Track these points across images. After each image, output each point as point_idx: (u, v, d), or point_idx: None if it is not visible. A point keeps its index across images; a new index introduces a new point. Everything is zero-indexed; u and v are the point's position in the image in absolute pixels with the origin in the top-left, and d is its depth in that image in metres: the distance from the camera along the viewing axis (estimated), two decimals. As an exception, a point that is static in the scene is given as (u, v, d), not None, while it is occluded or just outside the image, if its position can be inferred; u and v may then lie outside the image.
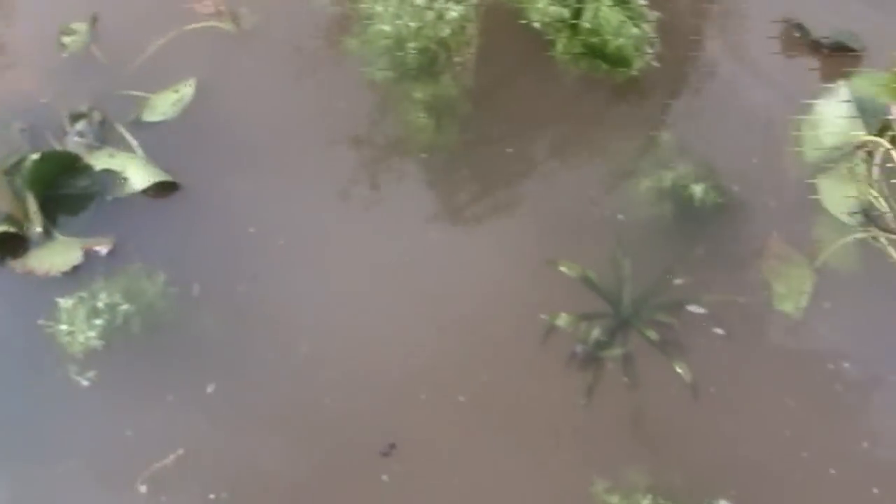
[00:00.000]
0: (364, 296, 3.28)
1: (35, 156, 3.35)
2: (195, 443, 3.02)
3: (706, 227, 3.38)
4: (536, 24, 3.59)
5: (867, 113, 3.56)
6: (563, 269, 3.28)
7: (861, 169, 3.47)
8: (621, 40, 3.53)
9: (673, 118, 3.67)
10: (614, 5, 3.55)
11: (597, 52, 3.58)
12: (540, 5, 3.57)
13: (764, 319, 3.25)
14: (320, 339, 3.18)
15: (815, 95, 3.62)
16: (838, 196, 3.44)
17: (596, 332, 3.18)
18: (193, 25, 3.75)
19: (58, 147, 3.49)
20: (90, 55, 3.75)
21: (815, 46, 3.81)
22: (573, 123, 3.65)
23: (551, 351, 3.16)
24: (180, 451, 3.01)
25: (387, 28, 3.51)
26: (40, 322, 3.13)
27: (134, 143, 3.51)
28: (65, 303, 3.12)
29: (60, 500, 2.97)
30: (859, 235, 3.35)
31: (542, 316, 3.20)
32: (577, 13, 3.56)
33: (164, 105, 3.61)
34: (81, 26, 3.80)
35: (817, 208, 3.43)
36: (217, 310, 3.22)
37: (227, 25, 3.78)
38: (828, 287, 3.29)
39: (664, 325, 3.21)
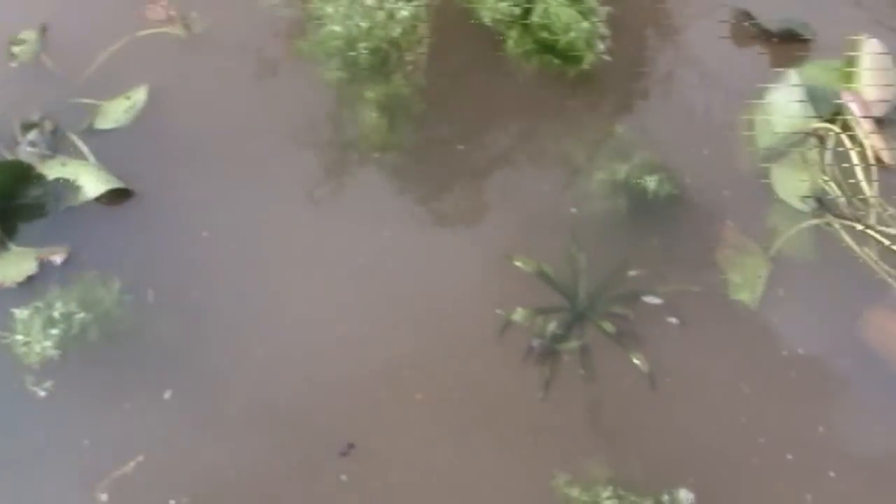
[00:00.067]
0: (319, 296, 3.28)
1: (-13, 166, 3.33)
2: (154, 449, 3.03)
3: (661, 218, 3.39)
4: (487, 22, 3.58)
5: (818, 100, 3.59)
6: (518, 263, 3.28)
7: (813, 156, 3.49)
8: (572, 35, 3.52)
9: (625, 111, 3.68)
10: (565, 1, 3.54)
11: (548, 48, 3.58)
12: (490, 2, 3.56)
13: (719, 308, 3.26)
14: (276, 342, 3.19)
15: (766, 84, 3.63)
16: (791, 183, 3.46)
17: (552, 326, 3.19)
18: (144, 32, 3.74)
19: (9, 157, 3.47)
20: (40, 64, 3.72)
21: (765, 35, 3.83)
22: (526, 119, 3.66)
23: (508, 346, 3.17)
24: (140, 458, 3.00)
25: (338, 29, 3.50)
26: (-5, 333, 3.11)
27: (86, 150, 3.50)
28: (20, 313, 3.10)
29: (20, 510, 2.96)
30: (813, 222, 3.38)
31: (499, 311, 3.20)
32: (528, 9, 3.55)
33: (116, 112, 3.60)
34: (31, 35, 3.77)
35: (771, 196, 3.46)
36: (172, 315, 3.22)
37: (178, 31, 3.77)
38: (782, 274, 3.31)
39: (620, 316, 3.23)
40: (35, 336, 3.07)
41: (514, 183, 3.52)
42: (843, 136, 3.49)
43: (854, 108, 3.51)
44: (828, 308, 3.28)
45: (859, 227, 3.33)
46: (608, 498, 2.87)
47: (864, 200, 3.39)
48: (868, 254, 3.29)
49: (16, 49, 3.76)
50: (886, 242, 3.29)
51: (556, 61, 3.61)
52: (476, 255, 3.35)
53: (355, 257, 3.34)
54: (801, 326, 3.24)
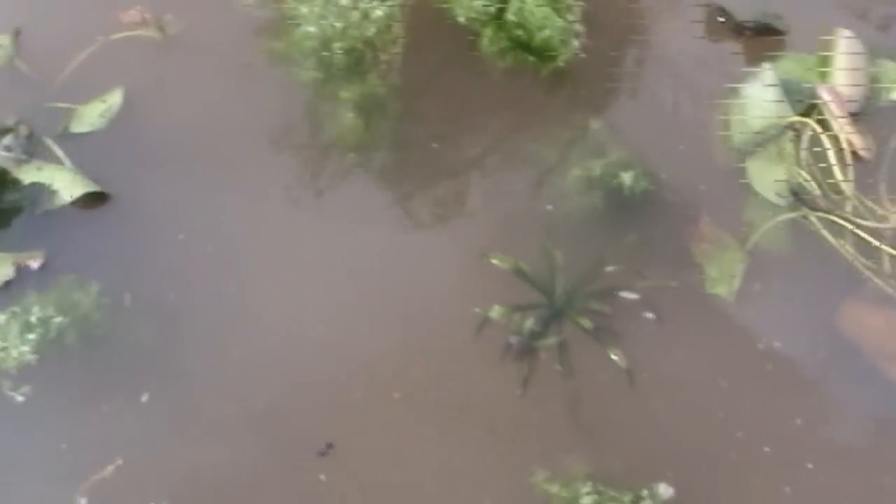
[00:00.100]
0: (295, 296, 3.27)
1: (-38, 172, 3.32)
2: (133, 452, 3.01)
3: (637, 214, 3.40)
4: (462, 21, 3.59)
5: (793, 94, 3.60)
6: (495, 261, 3.29)
7: (789, 149, 3.49)
8: (547, 32, 3.53)
9: (600, 108, 3.69)
10: (539, -3, 3.55)
11: (523, 46, 3.59)
12: (465, 1, 3.57)
13: (697, 303, 3.27)
14: (253, 343, 3.18)
15: (741, 79, 3.64)
16: (767, 178, 3.47)
17: (530, 323, 3.19)
18: (119, 35, 3.73)
19: (-15, 162, 3.45)
20: (15, 68, 3.71)
21: (739, 30, 3.85)
22: (501, 117, 3.66)
23: (486, 344, 3.17)
24: (119, 462, 2.99)
25: (312, 29, 3.51)
26: (-27, 339, 3.10)
27: (62, 154, 3.49)
28: (-3, 319, 3.09)
29: (-2, 516, 2.95)
30: (789, 215, 3.39)
31: (476, 309, 3.19)
32: (502, 7, 3.56)
33: (91, 116, 3.59)
34: (4, 39, 3.76)
35: (747, 191, 3.47)
36: (149, 318, 3.21)
37: (152, 33, 3.76)
38: (759, 268, 3.32)
39: (597, 312, 3.23)
40: (12, 341, 3.06)
41: (490, 181, 3.53)
42: (819, 130, 3.50)
43: (829, 101, 3.52)
44: (804, 301, 3.29)
45: (836, 219, 3.33)
46: (588, 494, 2.87)
47: (840, 193, 3.40)
48: (844, 246, 3.30)
49: (-10, 54, 3.75)
50: (863, 235, 3.31)
51: (531, 59, 3.62)
52: (452, 253, 3.36)
53: (331, 258, 3.33)
54: (777, 320, 3.24)
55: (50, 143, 3.53)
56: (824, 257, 3.31)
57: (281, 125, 3.59)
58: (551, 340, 3.17)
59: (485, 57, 3.63)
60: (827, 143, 3.47)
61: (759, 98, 3.58)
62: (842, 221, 3.34)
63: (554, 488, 2.91)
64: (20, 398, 3.08)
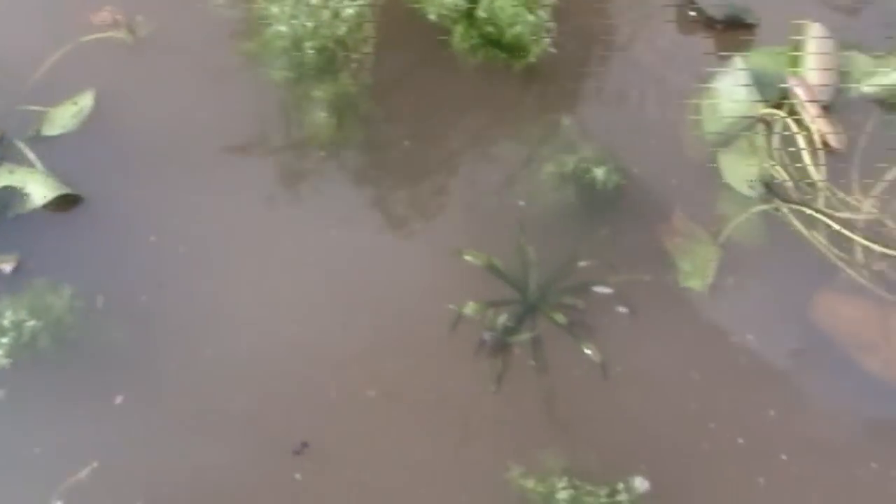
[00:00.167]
0: (268, 296, 3.27)
1: (-67, 176, 3.31)
2: (108, 455, 3.01)
3: (610, 209, 3.40)
4: (433, 18, 3.58)
5: (764, 86, 3.60)
6: (468, 258, 3.29)
7: (761, 141, 3.50)
8: (518, 28, 3.53)
9: (572, 103, 3.69)
10: (510, -7, 3.55)
11: (494, 42, 3.59)
12: (436, -2, 3.57)
13: (670, 297, 3.28)
14: (226, 343, 3.18)
15: (713, 72, 3.65)
16: (739, 170, 3.48)
17: (503, 319, 3.19)
18: (90, 37, 3.71)
19: (-44, 167, 3.44)
20: (-16, 72, 3.70)
21: (710, 23, 3.85)
22: (473, 114, 3.66)
23: (460, 340, 3.17)
24: (94, 464, 2.99)
25: (283, 29, 3.50)
26: (-56, 343, 3.09)
27: (33, 157, 3.47)
28: (-30, 323, 3.08)
29: (-28, 522, 2.95)
30: (761, 208, 3.39)
31: (450, 306, 3.20)
32: (473, 4, 3.55)
33: (63, 118, 3.58)
34: (-26, 43, 3.75)
35: (719, 184, 3.47)
36: (122, 320, 3.20)
37: (123, 35, 3.75)
38: (732, 261, 3.33)
39: (571, 307, 3.24)
40: (-15, 346, 3.05)
41: (463, 178, 3.53)
42: (790, 121, 3.51)
43: (800, 92, 3.54)
44: (778, 293, 3.30)
45: (808, 211, 3.34)
46: (563, 488, 2.87)
47: (812, 184, 3.42)
48: (817, 237, 3.31)
49: (-41, 58, 3.73)
50: (835, 226, 3.32)
51: (503, 56, 3.62)
52: (425, 250, 3.36)
53: (304, 257, 3.33)
54: (751, 312, 3.26)
55: (21, 146, 3.52)
56: (797, 249, 3.32)
57: (253, 125, 3.58)
58: (525, 336, 3.18)
59: (456, 54, 3.63)
60: (798, 134, 3.47)
61: (731, 91, 3.59)
62: (814, 213, 3.35)
63: (529, 483, 2.92)
64: (-6, 402, 3.07)
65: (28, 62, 3.65)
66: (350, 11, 3.51)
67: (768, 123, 3.53)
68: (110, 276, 3.29)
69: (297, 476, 2.98)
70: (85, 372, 3.12)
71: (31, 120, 3.58)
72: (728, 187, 3.45)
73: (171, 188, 3.45)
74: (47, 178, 3.42)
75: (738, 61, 3.63)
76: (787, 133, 3.50)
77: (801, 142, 3.47)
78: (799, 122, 3.50)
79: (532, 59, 3.59)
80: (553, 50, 3.60)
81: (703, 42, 3.82)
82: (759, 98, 3.57)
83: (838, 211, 3.36)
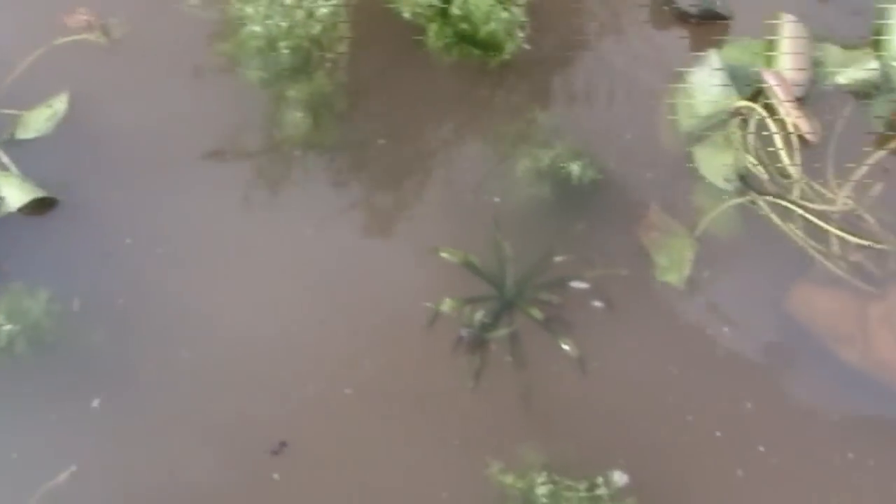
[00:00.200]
0: (244, 296, 3.27)
1: None
2: (86, 458, 3.01)
3: (585, 204, 3.41)
4: (407, 16, 3.58)
5: (740, 80, 3.61)
6: (444, 255, 3.29)
7: (736, 135, 3.51)
8: (492, 25, 3.53)
9: (547, 99, 3.69)
10: (483, -10, 3.55)
11: (468, 39, 3.59)
12: (409, -5, 3.56)
13: (647, 291, 3.29)
14: (202, 344, 3.18)
15: (687, 66, 3.65)
16: (715, 164, 3.48)
17: (480, 315, 3.19)
18: (63, 39, 3.69)
19: (-69, 171, 3.43)
20: (-42, 76, 3.69)
21: (684, 17, 3.86)
22: (447, 112, 3.66)
23: (437, 337, 3.18)
24: (73, 468, 2.98)
25: (258, 29, 3.49)
26: (-80, 349, 3.09)
27: (7, 161, 3.46)
28: (-54, 328, 3.07)
29: (-51, 531, 2.94)
30: (737, 200, 3.40)
31: (427, 303, 3.20)
32: (447, 1, 3.55)
33: (37, 121, 3.56)
34: (-53, 47, 3.73)
35: (695, 177, 3.48)
36: (99, 323, 3.19)
37: (97, 37, 3.74)
38: (709, 254, 3.34)
39: (548, 303, 3.24)
40: (-38, 350, 3.04)
41: (438, 175, 3.53)
42: (765, 115, 3.52)
43: (775, 85, 3.54)
44: (754, 285, 3.31)
45: (784, 203, 3.35)
46: (543, 483, 2.87)
47: (788, 177, 3.42)
48: (793, 229, 3.33)
49: (-69, 62, 3.71)
50: (811, 218, 3.33)
51: (477, 53, 3.62)
52: (402, 248, 3.37)
53: (281, 255, 3.33)
54: (728, 304, 3.27)
55: (-5, 149, 3.51)
56: (773, 241, 3.33)
57: (228, 126, 3.58)
58: (502, 332, 3.18)
59: (431, 52, 3.62)
60: (773, 127, 3.49)
61: (706, 84, 3.60)
62: (790, 205, 3.36)
63: (509, 479, 2.92)
64: (-31, 408, 3.06)
65: (1, 65, 3.63)
66: (324, 11, 3.50)
67: (743, 116, 3.54)
68: (87, 279, 3.28)
69: (276, 476, 2.99)
70: (62, 375, 3.12)
71: (5, 123, 3.56)
72: (704, 180, 3.45)
73: (147, 190, 3.45)
74: (22, 181, 3.41)
75: (714, 56, 3.63)
76: (762, 126, 3.50)
77: (776, 134, 3.47)
78: (774, 115, 3.50)
79: (507, 56, 3.59)
80: (527, 46, 3.60)
81: (678, 36, 3.82)
82: (734, 91, 3.57)
83: (814, 202, 3.37)
